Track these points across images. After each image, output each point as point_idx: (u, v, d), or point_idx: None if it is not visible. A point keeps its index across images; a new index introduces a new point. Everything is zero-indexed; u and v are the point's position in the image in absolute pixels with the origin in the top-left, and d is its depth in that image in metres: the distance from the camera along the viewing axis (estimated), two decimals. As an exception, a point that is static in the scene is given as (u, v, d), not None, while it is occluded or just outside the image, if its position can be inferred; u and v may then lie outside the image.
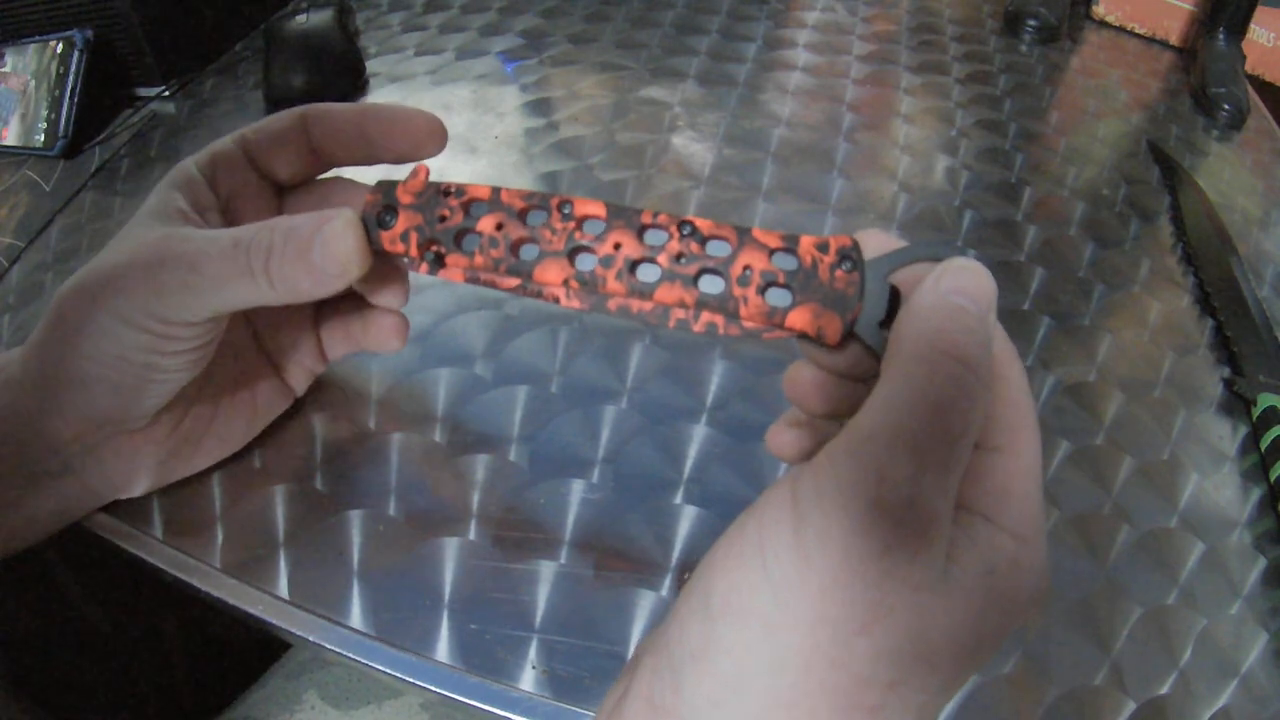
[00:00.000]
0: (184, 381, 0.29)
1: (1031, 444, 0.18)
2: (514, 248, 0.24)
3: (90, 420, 0.29)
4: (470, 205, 0.25)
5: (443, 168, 0.54)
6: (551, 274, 0.23)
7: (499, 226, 0.24)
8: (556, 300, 0.25)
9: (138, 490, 0.34)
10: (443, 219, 0.24)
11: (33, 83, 0.60)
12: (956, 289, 0.18)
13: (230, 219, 0.30)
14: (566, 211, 0.23)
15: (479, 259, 0.24)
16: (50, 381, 0.27)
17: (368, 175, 0.31)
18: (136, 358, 0.27)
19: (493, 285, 0.25)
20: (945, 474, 0.15)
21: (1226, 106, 0.64)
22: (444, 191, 0.25)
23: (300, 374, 0.38)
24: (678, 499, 0.37)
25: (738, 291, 0.21)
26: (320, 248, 0.24)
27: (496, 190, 0.25)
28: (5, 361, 0.30)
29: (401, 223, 0.25)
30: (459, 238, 0.25)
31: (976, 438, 0.17)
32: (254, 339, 0.36)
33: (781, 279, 0.21)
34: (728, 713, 0.15)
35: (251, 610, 0.35)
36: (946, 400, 0.16)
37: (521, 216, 0.24)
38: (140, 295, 0.26)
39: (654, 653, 0.17)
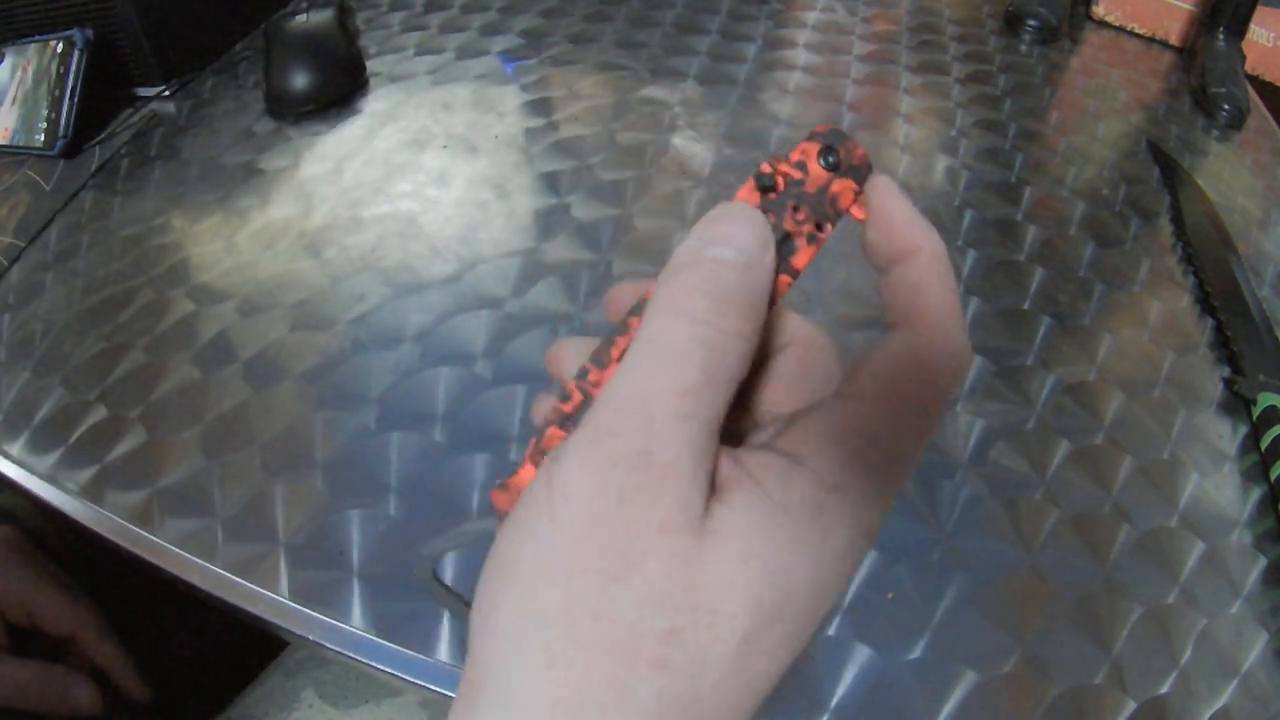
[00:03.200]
0: None
1: (890, 412, 0.17)
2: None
3: None
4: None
5: (443, 167, 0.55)
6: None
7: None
8: None
9: None
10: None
11: (32, 82, 0.60)
12: (714, 238, 0.17)
13: None
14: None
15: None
16: None
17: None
18: None
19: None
20: (683, 423, 0.16)
21: (1226, 106, 0.64)
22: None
23: None
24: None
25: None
26: None
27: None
28: None
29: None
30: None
31: (729, 384, 0.17)
32: None
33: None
34: (511, 669, 0.15)
35: (251, 609, 0.36)
36: (682, 356, 0.16)
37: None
38: None
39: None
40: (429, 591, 0.21)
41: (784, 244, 0.18)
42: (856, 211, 0.19)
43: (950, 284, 0.18)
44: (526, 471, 0.18)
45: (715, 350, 0.16)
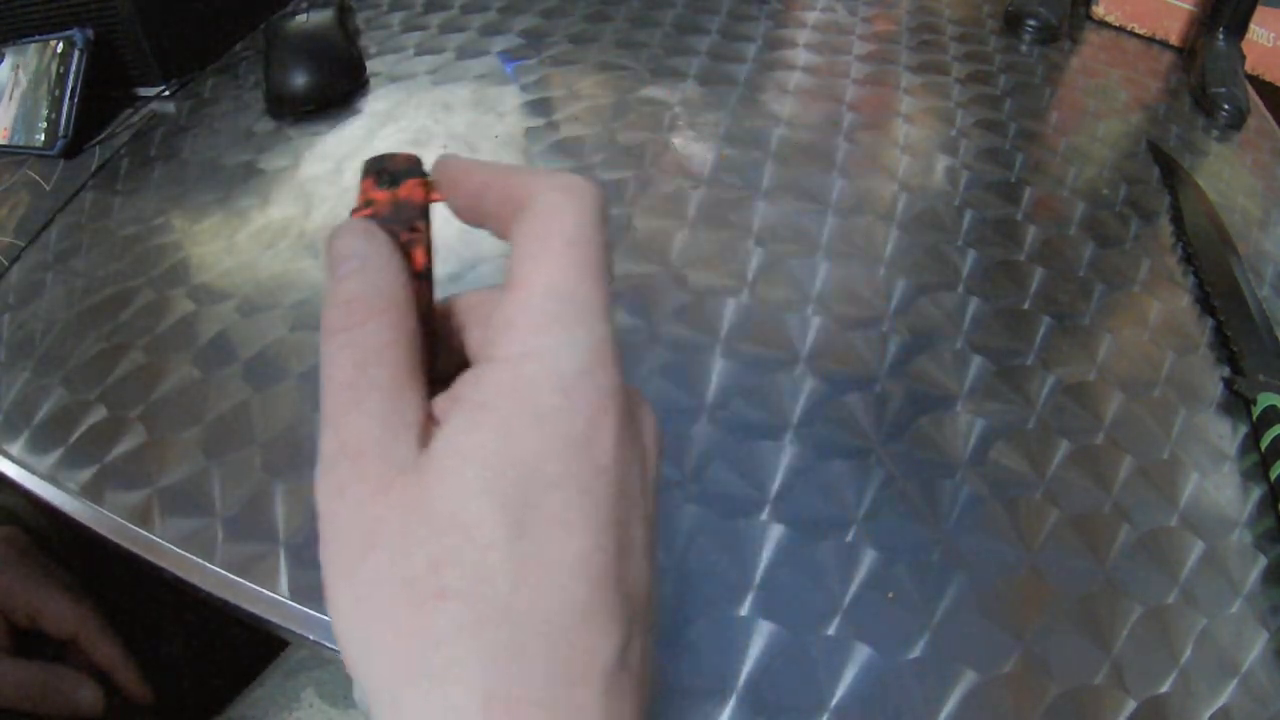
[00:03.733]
0: None
1: (543, 264, 0.18)
2: None
3: None
4: None
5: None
6: None
7: None
8: None
9: None
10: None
11: (32, 82, 0.60)
12: (330, 262, 0.20)
13: None
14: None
15: None
16: None
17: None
18: None
19: None
20: (353, 408, 0.17)
21: (1226, 106, 0.64)
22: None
23: None
24: (678, 498, 0.37)
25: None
26: None
27: None
28: None
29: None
30: None
31: (391, 366, 0.18)
32: None
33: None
34: (357, 655, 0.16)
35: (251, 609, 0.36)
36: (333, 356, 0.18)
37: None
38: None
39: None
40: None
41: (409, 257, 0.20)
42: (435, 196, 0.21)
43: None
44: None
45: (353, 341, 0.18)
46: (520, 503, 0.16)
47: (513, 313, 0.17)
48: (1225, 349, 0.46)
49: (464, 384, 0.18)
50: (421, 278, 0.20)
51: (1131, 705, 0.32)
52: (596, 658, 0.16)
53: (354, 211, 0.21)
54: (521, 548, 0.15)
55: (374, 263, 0.19)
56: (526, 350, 0.17)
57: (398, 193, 0.21)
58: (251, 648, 0.45)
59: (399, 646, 0.15)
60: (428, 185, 0.21)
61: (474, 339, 0.20)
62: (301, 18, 0.63)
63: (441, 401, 0.18)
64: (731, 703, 0.32)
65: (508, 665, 0.15)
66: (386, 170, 0.21)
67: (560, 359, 0.17)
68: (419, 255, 0.20)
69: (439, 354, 0.21)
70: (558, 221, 0.18)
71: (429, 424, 0.17)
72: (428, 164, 0.22)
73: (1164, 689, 0.33)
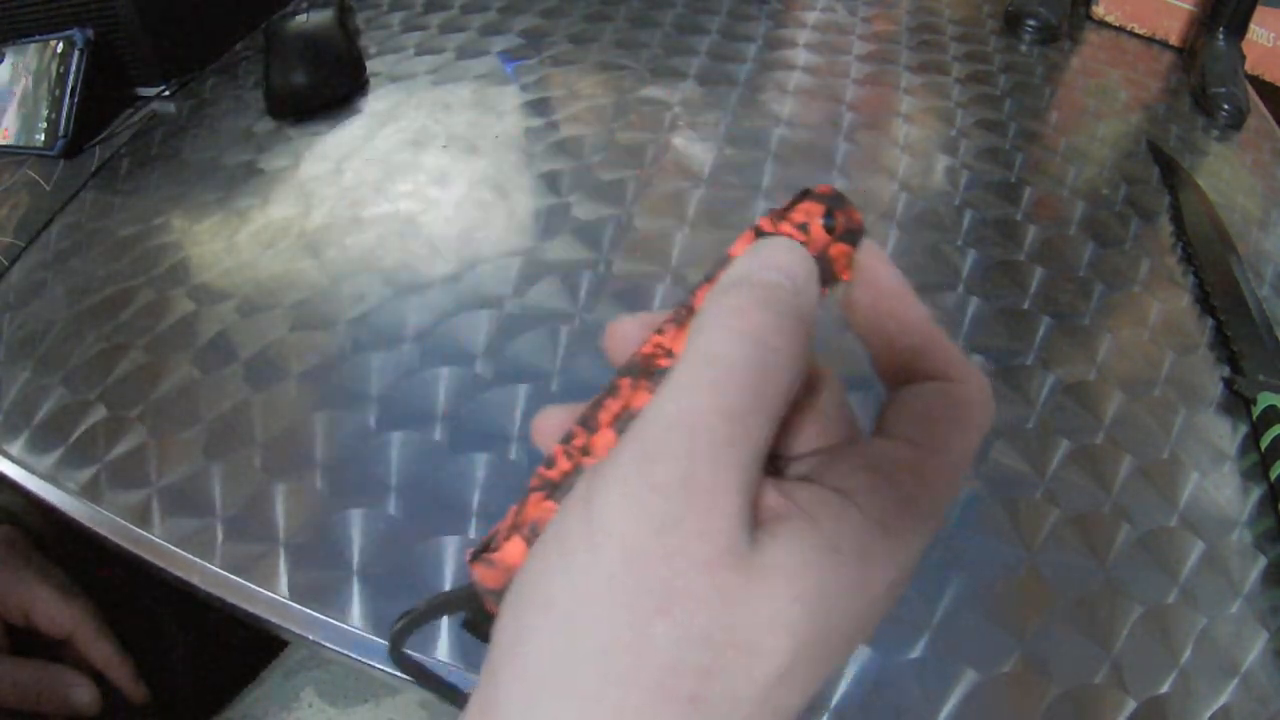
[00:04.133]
0: None
1: (946, 455, 0.17)
2: None
3: None
4: None
5: (443, 167, 0.55)
6: None
7: None
8: None
9: None
10: None
11: (33, 82, 0.60)
12: (764, 264, 0.17)
13: None
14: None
15: None
16: None
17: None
18: None
19: None
20: (729, 448, 0.15)
21: (1226, 106, 0.64)
22: None
23: None
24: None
25: None
26: None
27: None
28: None
29: None
30: None
31: (778, 411, 0.16)
32: None
33: None
34: (539, 701, 0.15)
35: (251, 609, 0.36)
36: (734, 375, 0.16)
37: None
38: None
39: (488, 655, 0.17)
40: (397, 666, 0.21)
41: None
42: (847, 274, 0.19)
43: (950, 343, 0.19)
44: (515, 546, 0.17)
45: (767, 371, 0.16)
46: (803, 659, 0.15)
47: (898, 475, 0.17)
48: (1225, 349, 0.46)
49: (818, 506, 0.16)
50: None
51: (1131, 705, 0.32)
52: None
53: (778, 222, 0.18)
54: (775, 693, 0.15)
55: (808, 302, 0.17)
56: (889, 525, 0.16)
57: (828, 248, 0.18)
58: (251, 648, 0.45)
59: (606, 706, 0.15)
60: (849, 258, 0.18)
61: (801, 411, 0.19)
62: (301, 18, 0.63)
63: (765, 490, 0.17)
64: (731, 703, 0.32)
65: None
66: (836, 215, 0.18)
67: (908, 555, 0.16)
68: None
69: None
70: (973, 423, 0.18)
71: (761, 504, 0.16)
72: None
73: (1164, 689, 0.33)
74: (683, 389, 0.16)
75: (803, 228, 0.18)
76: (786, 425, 0.19)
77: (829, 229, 0.18)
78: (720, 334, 0.16)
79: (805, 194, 0.18)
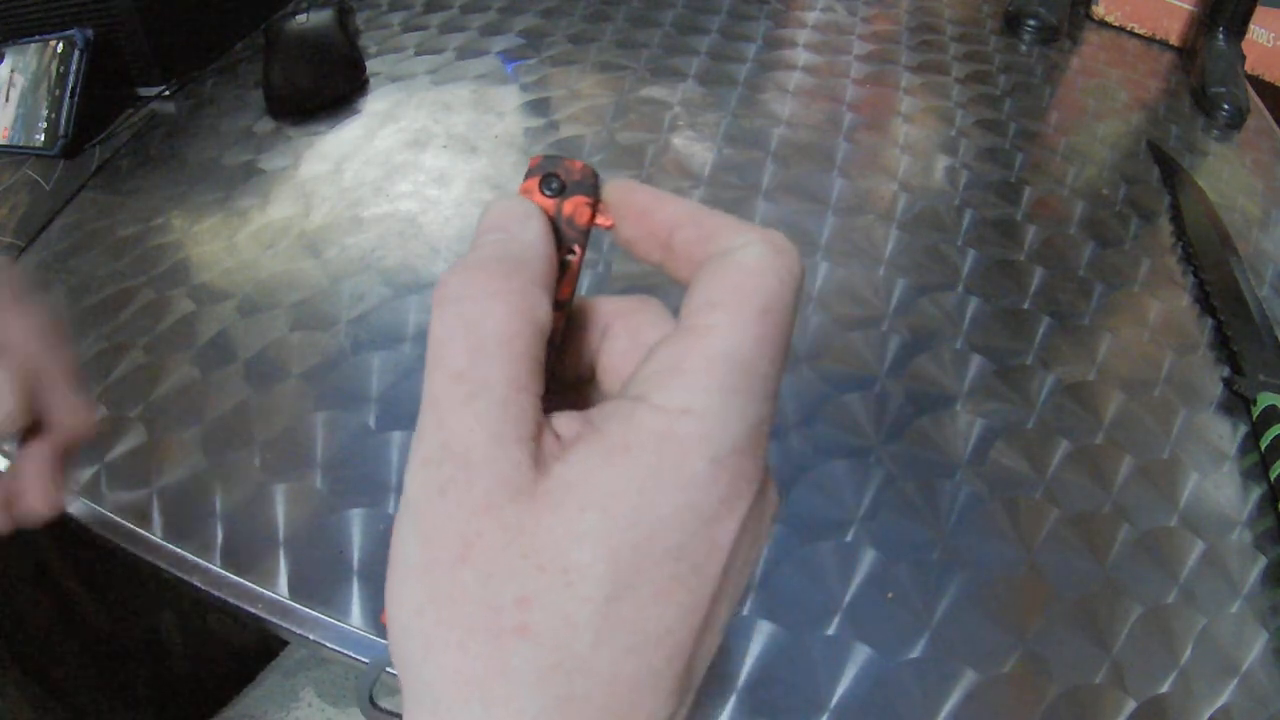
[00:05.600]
0: None
1: (732, 324, 0.17)
2: None
3: None
4: None
5: (443, 167, 0.55)
6: None
7: None
8: None
9: None
10: None
11: (32, 82, 0.60)
12: (478, 233, 0.19)
13: None
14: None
15: None
16: None
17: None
18: None
19: None
20: (466, 406, 0.16)
21: (1226, 106, 0.64)
22: None
23: None
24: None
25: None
26: None
27: None
28: None
29: None
30: None
31: (516, 358, 0.17)
32: None
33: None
34: (410, 658, 0.16)
35: (251, 608, 0.36)
36: (447, 341, 0.17)
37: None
38: None
39: None
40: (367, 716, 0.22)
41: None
42: (602, 220, 0.19)
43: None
44: None
45: (472, 321, 0.17)
46: (630, 566, 0.15)
47: (684, 360, 0.16)
48: (1225, 349, 0.46)
49: (606, 417, 0.16)
50: (558, 308, 0.18)
51: (1131, 705, 0.32)
52: None
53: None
54: (616, 610, 0.15)
55: (523, 240, 0.17)
56: (689, 408, 0.16)
57: (563, 206, 0.19)
58: (251, 648, 0.45)
59: (463, 665, 0.15)
60: (595, 207, 0.19)
61: (616, 351, 0.19)
62: (301, 18, 0.63)
63: (568, 421, 0.17)
64: (731, 703, 0.32)
65: (563, 717, 0.15)
66: (556, 176, 0.19)
67: (720, 429, 0.16)
68: (564, 286, 0.18)
69: (564, 352, 0.19)
70: (759, 280, 0.17)
71: (543, 439, 0.16)
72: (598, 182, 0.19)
73: (1164, 689, 0.33)
74: (429, 368, 0.17)
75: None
76: (594, 369, 0.20)
77: (556, 191, 0.19)
78: (435, 308, 0.17)
79: (528, 173, 0.19)
